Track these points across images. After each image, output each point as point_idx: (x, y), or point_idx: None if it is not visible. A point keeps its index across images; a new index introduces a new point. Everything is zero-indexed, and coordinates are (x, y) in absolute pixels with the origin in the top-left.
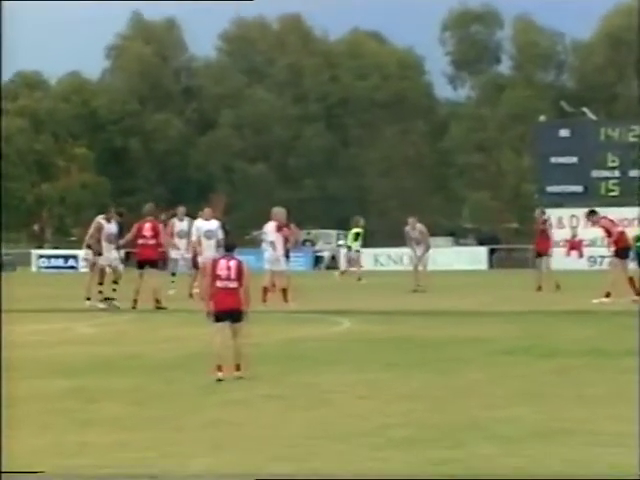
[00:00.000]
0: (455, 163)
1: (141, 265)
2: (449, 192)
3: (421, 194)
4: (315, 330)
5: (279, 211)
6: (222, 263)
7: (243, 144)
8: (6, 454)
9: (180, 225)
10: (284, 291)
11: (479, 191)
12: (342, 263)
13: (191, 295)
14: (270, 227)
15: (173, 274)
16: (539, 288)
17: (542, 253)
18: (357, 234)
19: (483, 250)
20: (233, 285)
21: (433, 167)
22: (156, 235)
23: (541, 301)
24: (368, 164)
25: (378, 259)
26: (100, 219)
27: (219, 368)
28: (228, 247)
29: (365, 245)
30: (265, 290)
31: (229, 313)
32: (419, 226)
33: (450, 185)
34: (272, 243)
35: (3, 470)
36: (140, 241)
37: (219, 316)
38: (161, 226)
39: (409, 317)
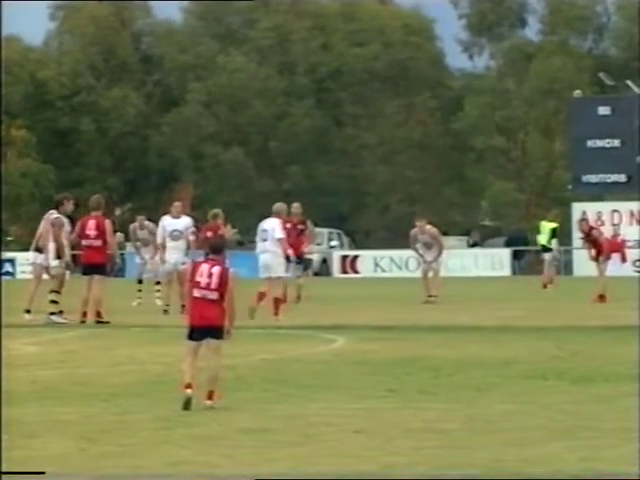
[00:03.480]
0: (471, 147)
1: (86, 271)
2: (464, 183)
3: (430, 185)
4: (303, 349)
5: (282, 207)
6: (204, 268)
7: (215, 124)
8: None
9: (141, 234)
10: (277, 301)
11: (501, 181)
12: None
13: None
14: (275, 224)
15: (140, 281)
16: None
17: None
18: (554, 230)
19: (506, 252)
20: (213, 296)
21: (444, 152)
22: (101, 234)
23: (578, 315)
24: (366, 148)
25: (379, 263)
26: (59, 215)
27: (187, 385)
28: (214, 248)
29: (365, 246)
30: (261, 296)
31: (206, 330)
32: (429, 229)
33: (465, 174)
34: (280, 241)
35: (3, 470)
36: (84, 242)
37: (194, 333)
38: (108, 223)
39: (417, 334)
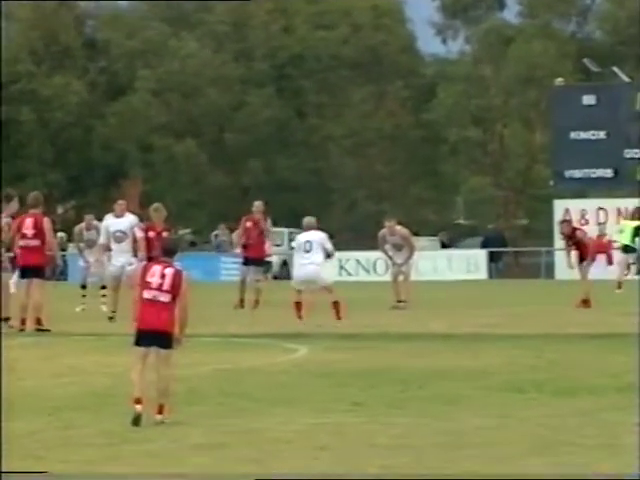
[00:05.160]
0: (445, 139)
1: (24, 273)
2: (437, 178)
3: (400, 180)
4: (261, 359)
5: (313, 220)
6: (155, 269)
7: (166, 114)
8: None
9: (88, 234)
10: (336, 305)
11: (477, 176)
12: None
13: None
14: (323, 238)
15: (83, 286)
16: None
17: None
18: (638, 228)
19: (482, 254)
20: (164, 298)
21: (416, 145)
22: (39, 234)
23: (559, 321)
24: (331, 141)
25: (344, 266)
26: None
27: (137, 400)
28: (166, 250)
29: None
30: (299, 306)
31: (154, 335)
32: (400, 230)
33: (439, 168)
34: (329, 255)
35: (3, 470)
36: (21, 242)
37: (142, 338)
38: (47, 221)
39: (384, 342)
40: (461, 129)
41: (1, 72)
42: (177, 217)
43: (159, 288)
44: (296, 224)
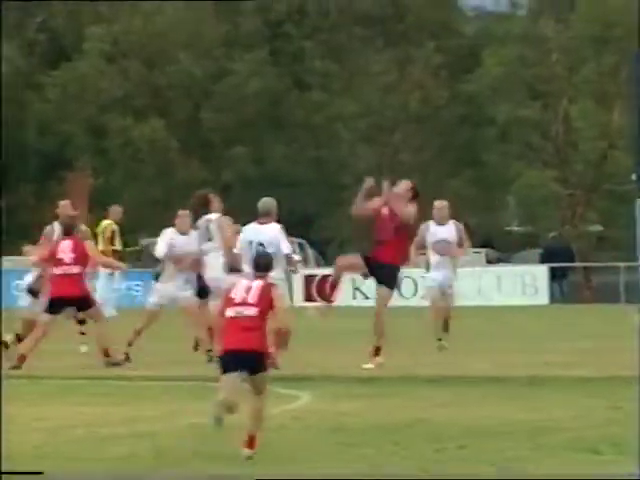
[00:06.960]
0: (492, 119)
1: None
2: (481, 170)
3: (432, 173)
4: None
5: (273, 205)
6: (241, 283)
7: (125, 86)
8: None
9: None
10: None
11: (534, 169)
12: None
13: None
14: (276, 232)
15: (82, 321)
16: None
17: None
18: None
19: (542, 271)
20: (249, 312)
21: (453, 127)
22: None
23: None
24: (340, 121)
25: (359, 287)
26: None
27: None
28: (259, 265)
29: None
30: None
31: (241, 357)
32: (454, 223)
33: (483, 158)
34: (287, 259)
35: (3, 470)
36: None
37: (227, 362)
38: None
39: (412, 388)
40: (513, 106)
41: (1, 72)
42: (138, 221)
43: (243, 302)
44: (295, 232)
